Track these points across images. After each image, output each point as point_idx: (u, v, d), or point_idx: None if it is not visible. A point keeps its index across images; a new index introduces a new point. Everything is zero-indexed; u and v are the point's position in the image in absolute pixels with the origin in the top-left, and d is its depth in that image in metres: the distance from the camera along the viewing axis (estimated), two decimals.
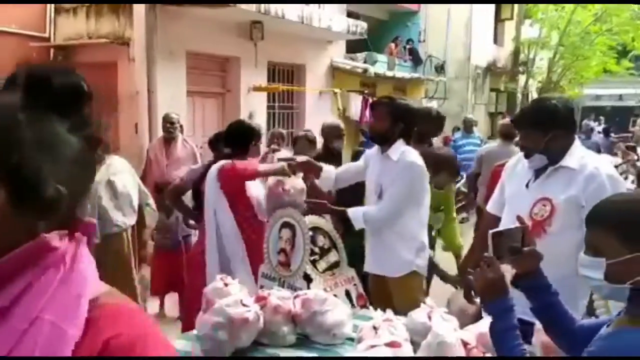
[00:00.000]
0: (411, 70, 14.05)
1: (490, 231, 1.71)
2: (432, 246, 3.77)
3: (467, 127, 8.64)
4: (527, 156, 2.45)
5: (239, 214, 3.31)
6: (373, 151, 3.31)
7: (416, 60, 14.47)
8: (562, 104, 2.39)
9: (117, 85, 7.35)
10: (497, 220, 2.57)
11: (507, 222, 2.40)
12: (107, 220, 3.43)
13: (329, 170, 3.27)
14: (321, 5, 9.56)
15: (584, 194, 2.24)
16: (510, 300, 1.56)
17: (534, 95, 18.09)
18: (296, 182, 3.02)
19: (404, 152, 3.09)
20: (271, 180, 3.08)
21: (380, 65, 12.19)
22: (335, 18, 9.52)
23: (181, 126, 5.84)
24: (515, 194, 2.53)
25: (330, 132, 4.79)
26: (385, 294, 3.13)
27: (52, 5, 7.80)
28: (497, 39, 17.96)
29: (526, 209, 2.34)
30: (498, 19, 17.75)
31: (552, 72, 17.82)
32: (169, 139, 5.57)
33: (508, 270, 1.65)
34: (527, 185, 2.46)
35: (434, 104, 13.62)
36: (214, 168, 3.33)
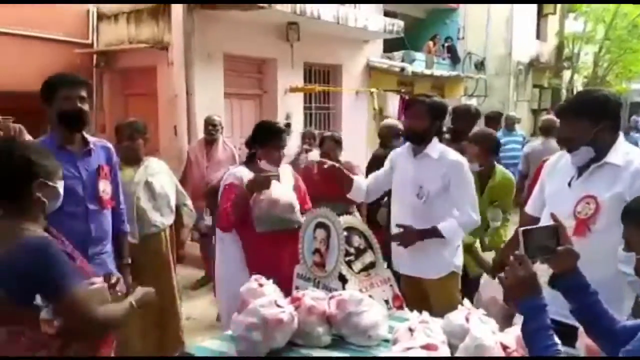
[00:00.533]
0: (450, 68, 13.83)
1: (521, 229, 1.66)
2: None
3: (509, 124, 8.41)
4: (571, 149, 2.34)
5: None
6: (401, 152, 3.25)
7: (455, 57, 14.24)
8: (612, 95, 2.31)
9: (156, 88, 7.51)
10: (535, 220, 2.47)
11: (547, 222, 2.34)
12: (146, 220, 3.49)
13: (359, 181, 3.24)
14: (357, 5, 9.51)
15: (629, 191, 2.15)
16: (542, 299, 1.51)
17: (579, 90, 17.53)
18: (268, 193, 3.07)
19: (445, 151, 3.06)
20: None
21: (418, 63, 12.05)
22: (371, 17, 9.45)
23: (222, 128, 5.90)
24: (557, 192, 2.44)
25: (388, 132, 4.78)
26: (420, 295, 3.07)
27: (95, 11, 8.03)
28: (539, 34, 17.47)
29: (569, 208, 2.27)
30: (541, 14, 17.27)
31: (598, 67, 17.23)
32: (210, 141, 5.63)
33: (544, 270, 1.59)
34: (569, 184, 2.37)
35: (473, 102, 13.39)
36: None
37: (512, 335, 1.87)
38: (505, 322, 2.29)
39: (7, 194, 1.81)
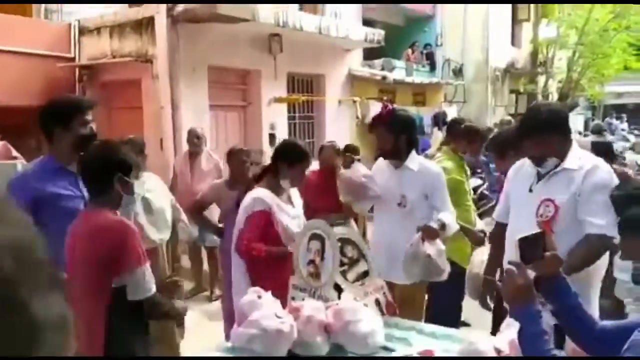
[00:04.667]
0: (429, 75, 14.04)
1: (518, 237, 1.76)
2: None
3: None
4: (539, 163, 2.52)
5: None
6: (381, 164, 3.46)
7: (434, 64, 14.46)
8: (561, 105, 2.53)
9: (141, 101, 7.51)
10: (505, 227, 2.76)
11: (514, 226, 2.60)
12: (143, 236, 3.52)
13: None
14: (338, 15, 9.64)
15: (580, 188, 2.39)
16: (537, 305, 1.59)
17: (554, 95, 17.87)
18: None
19: (424, 162, 3.38)
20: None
21: (398, 71, 12.22)
22: (352, 27, 9.59)
23: (205, 139, 5.94)
24: (520, 197, 2.65)
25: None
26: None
27: (77, 25, 8.01)
28: (514, 41, 17.84)
29: (532, 212, 2.48)
30: (515, 20, 17.64)
31: (572, 72, 17.61)
32: (194, 153, 5.68)
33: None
34: (530, 189, 2.58)
35: (453, 108, 13.61)
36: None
37: (506, 340, 1.97)
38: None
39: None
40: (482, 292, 3.07)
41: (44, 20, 8.29)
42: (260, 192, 3.07)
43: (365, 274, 2.90)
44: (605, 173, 2.45)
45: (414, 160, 3.30)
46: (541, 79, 18.18)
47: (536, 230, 1.85)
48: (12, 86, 6.74)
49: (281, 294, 2.66)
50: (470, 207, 4.09)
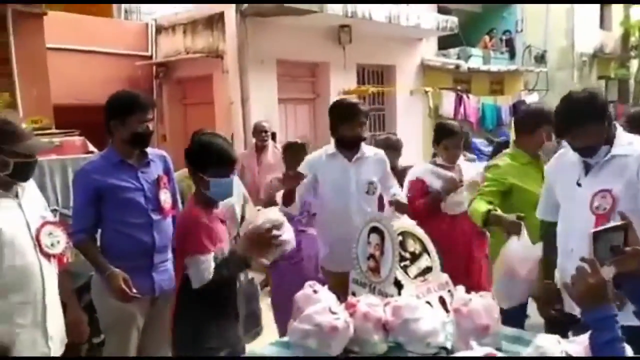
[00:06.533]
0: (508, 63, 13.40)
1: (592, 231, 1.60)
2: None
3: None
4: (587, 154, 2.31)
5: None
6: (322, 159, 3.45)
7: (513, 51, 13.79)
8: (598, 90, 2.34)
9: (213, 96, 7.69)
10: (554, 225, 2.53)
11: (567, 224, 2.40)
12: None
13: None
14: (409, 3, 9.40)
15: (638, 176, 2.21)
16: (613, 308, 1.42)
17: None
18: None
19: (373, 148, 3.66)
20: None
21: (474, 59, 11.75)
22: (423, 15, 9.31)
23: (273, 133, 5.96)
24: (568, 193, 2.42)
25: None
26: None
27: (154, 24, 8.32)
28: (603, 23, 16.67)
29: (585, 206, 2.28)
30: (604, 2, 16.49)
31: None
32: (260, 147, 5.73)
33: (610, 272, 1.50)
34: (578, 183, 2.36)
35: (534, 96, 12.92)
36: None
37: (580, 345, 1.77)
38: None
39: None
40: (543, 299, 2.78)
41: (124, 20, 8.68)
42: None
43: (428, 270, 2.75)
44: None
45: (368, 148, 3.58)
46: (634, 63, 16.94)
47: (591, 225, 1.64)
48: (95, 85, 7.09)
49: None
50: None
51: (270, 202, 3.89)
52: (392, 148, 4.44)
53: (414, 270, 2.73)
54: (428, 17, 9.42)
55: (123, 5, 8.72)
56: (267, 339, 2.66)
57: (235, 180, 3.75)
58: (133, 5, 8.81)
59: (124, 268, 2.57)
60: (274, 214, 2.62)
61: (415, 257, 2.77)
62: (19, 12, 5.52)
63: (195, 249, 2.31)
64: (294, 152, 4.04)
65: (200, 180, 2.40)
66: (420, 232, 2.88)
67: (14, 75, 5.46)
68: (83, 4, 8.01)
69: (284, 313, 3.30)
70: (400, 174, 4.02)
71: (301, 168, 3.41)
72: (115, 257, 2.60)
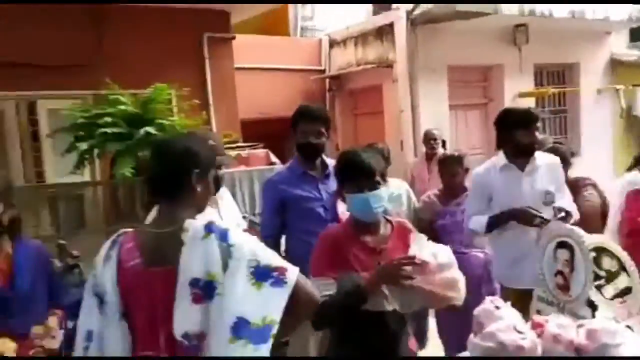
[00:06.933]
0: None
1: None
2: None
3: None
4: None
5: None
6: (491, 173, 3.21)
7: None
8: None
9: (382, 106, 7.82)
10: None
11: None
12: None
13: None
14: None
15: None
16: None
17: None
18: None
19: (542, 154, 3.36)
20: None
21: None
22: (612, 6, 8.42)
23: (443, 141, 5.84)
24: None
25: None
26: None
27: (327, 39, 8.73)
28: None
29: None
30: (607, 2, 13.19)
31: None
32: (430, 155, 5.64)
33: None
34: None
35: None
36: None
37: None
38: None
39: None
40: None
41: (300, 37, 9.25)
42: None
43: (627, 291, 2.48)
44: None
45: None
46: None
47: None
48: (275, 99, 7.70)
49: None
50: None
51: (428, 221, 3.72)
52: (561, 158, 3.93)
53: (610, 290, 2.48)
54: (618, 8, 8.50)
55: (299, 23, 9.29)
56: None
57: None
58: (308, 23, 9.35)
59: (303, 274, 2.70)
60: (444, 254, 2.20)
61: (611, 276, 2.51)
62: (213, 37, 6.20)
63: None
64: (449, 165, 3.74)
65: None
66: (617, 248, 2.60)
67: (209, 95, 6.14)
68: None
69: (449, 328, 3.30)
70: (572, 186, 3.60)
71: (471, 183, 3.29)
72: (297, 263, 2.75)
